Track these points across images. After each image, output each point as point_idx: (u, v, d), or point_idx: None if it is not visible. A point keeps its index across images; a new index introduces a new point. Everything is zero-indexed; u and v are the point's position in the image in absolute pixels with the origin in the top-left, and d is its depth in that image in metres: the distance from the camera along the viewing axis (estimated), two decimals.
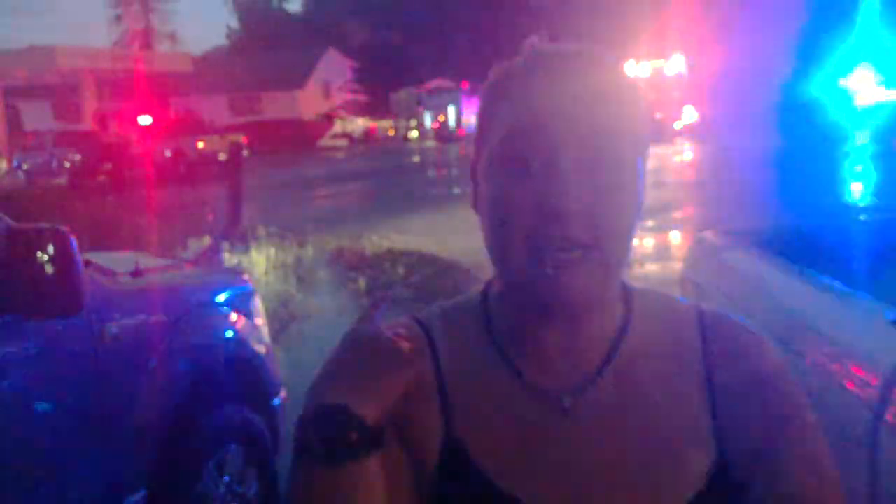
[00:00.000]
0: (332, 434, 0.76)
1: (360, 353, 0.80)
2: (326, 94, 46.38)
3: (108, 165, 22.28)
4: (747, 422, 0.83)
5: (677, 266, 4.70)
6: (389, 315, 0.89)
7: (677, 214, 11.19)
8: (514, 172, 0.79)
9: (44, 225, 1.97)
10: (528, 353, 0.87)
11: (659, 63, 29.13)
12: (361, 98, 47.08)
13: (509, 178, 0.79)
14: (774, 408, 0.84)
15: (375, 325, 0.84)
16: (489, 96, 0.85)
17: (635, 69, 27.97)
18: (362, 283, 7.52)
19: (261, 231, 9.06)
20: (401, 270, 7.85)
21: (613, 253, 0.80)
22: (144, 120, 25.73)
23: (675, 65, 29.61)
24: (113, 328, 2.40)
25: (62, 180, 20.70)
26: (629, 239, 0.81)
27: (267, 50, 50.40)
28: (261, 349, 3.22)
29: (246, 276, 3.59)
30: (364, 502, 0.77)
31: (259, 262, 7.84)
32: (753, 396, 0.84)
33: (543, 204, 0.77)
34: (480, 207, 0.84)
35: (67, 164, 22.85)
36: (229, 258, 7.57)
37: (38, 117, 39.58)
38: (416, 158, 29.70)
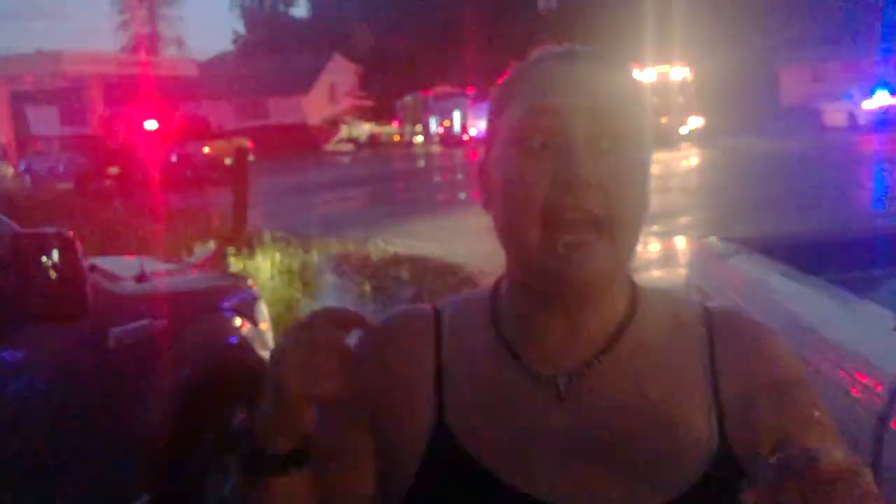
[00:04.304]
0: (247, 452, 0.84)
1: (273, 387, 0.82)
2: (332, 99, 46.40)
3: (115, 170, 22.33)
4: (758, 412, 0.84)
5: (682, 272, 4.68)
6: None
7: (682, 220, 11.16)
8: (531, 151, 0.81)
9: (49, 229, 1.98)
10: (529, 340, 0.88)
11: (664, 68, 29.00)
12: (367, 103, 47.09)
13: (525, 156, 0.81)
14: (786, 396, 0.85)
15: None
16: (501, 93, 0.88)
17: (640, 75, 27.73)
18: (367, 287, 7.52)
19: (266, 235, 9.06)
20: (406, 275, 7.84)
21: (623, 236, 0.81)
22: (150, 125, 25.81)
23: (680, 70, 29.47)
24: (117, 332, 2.40)
25: (68, 185, 20.75)
26: (637, 227, 0.83)
27: (273, 55, 50.46)
28: (265, 354, 3.22)
29: (250, 282, 3.59)
30: None
31: (264, 267, 7.83)
32: (764, 387, 0.85)
33: (558, 175, 0.79)
34: (493, 198, 0.86)
35: (74, 169, 22.93)
36: (234, 263, 7.58)
37: (44, 122, 39.68)
38: (422, 163, 29.71)
